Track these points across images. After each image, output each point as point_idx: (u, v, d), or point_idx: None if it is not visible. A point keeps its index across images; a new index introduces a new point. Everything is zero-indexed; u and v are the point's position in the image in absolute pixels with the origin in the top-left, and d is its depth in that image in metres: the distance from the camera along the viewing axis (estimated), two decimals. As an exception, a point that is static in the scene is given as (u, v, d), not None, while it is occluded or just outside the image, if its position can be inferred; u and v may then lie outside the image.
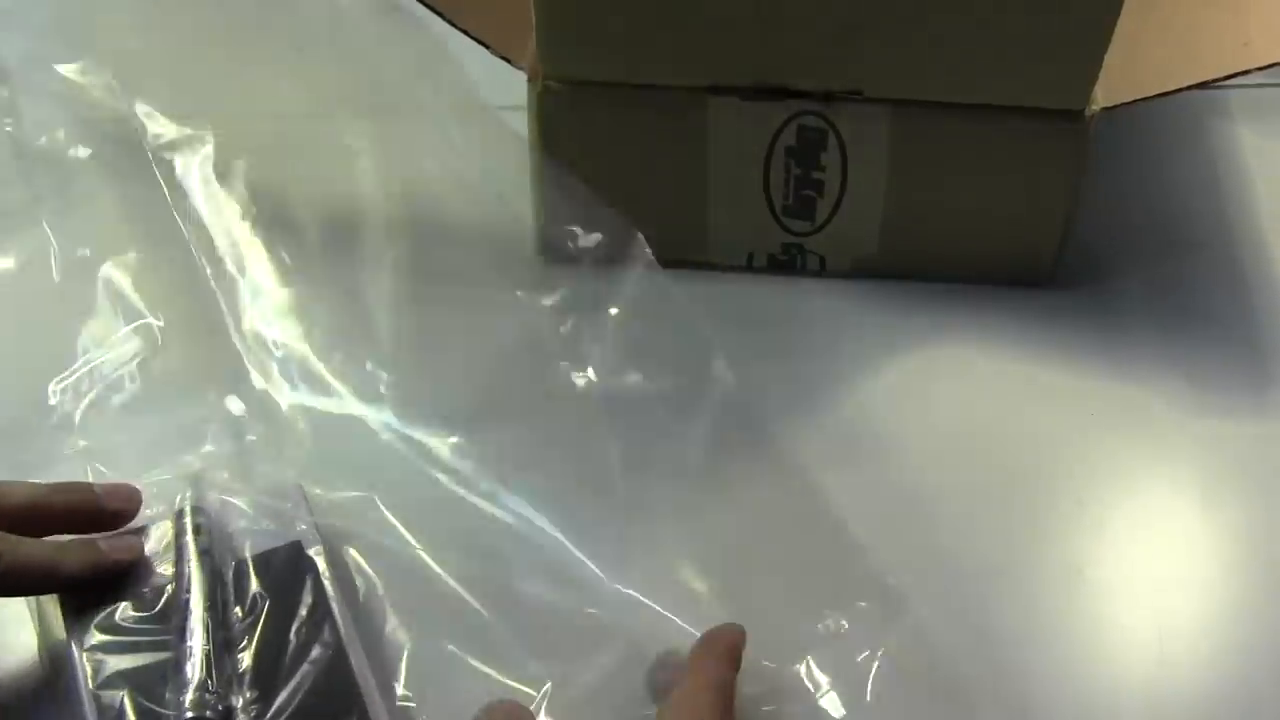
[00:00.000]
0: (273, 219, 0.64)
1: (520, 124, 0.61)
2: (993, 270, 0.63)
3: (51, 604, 0.50)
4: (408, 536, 0.53)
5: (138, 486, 0.52)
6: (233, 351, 0.59)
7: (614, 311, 0.59)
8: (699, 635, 0.49)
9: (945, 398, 0.60)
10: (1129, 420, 0.59)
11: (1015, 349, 0.62)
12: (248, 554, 0.51)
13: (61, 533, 0.50)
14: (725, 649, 0.48)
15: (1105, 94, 0.58)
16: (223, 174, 0.65)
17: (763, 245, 0.64)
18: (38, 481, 0.51)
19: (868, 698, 0.49)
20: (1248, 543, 0.55)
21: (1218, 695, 0.51)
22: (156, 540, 0.51)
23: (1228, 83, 0.58)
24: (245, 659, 0.48)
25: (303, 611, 0.49)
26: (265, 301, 0.61)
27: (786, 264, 0.64)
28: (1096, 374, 0.61)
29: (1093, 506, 0.56)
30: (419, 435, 0.56)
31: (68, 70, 0.69)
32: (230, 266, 0.62)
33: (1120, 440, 0.58)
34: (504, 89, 0.61)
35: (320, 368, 0.59)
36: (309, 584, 0.50)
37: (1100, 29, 0.55)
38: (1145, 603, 0.53)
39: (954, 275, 0.63)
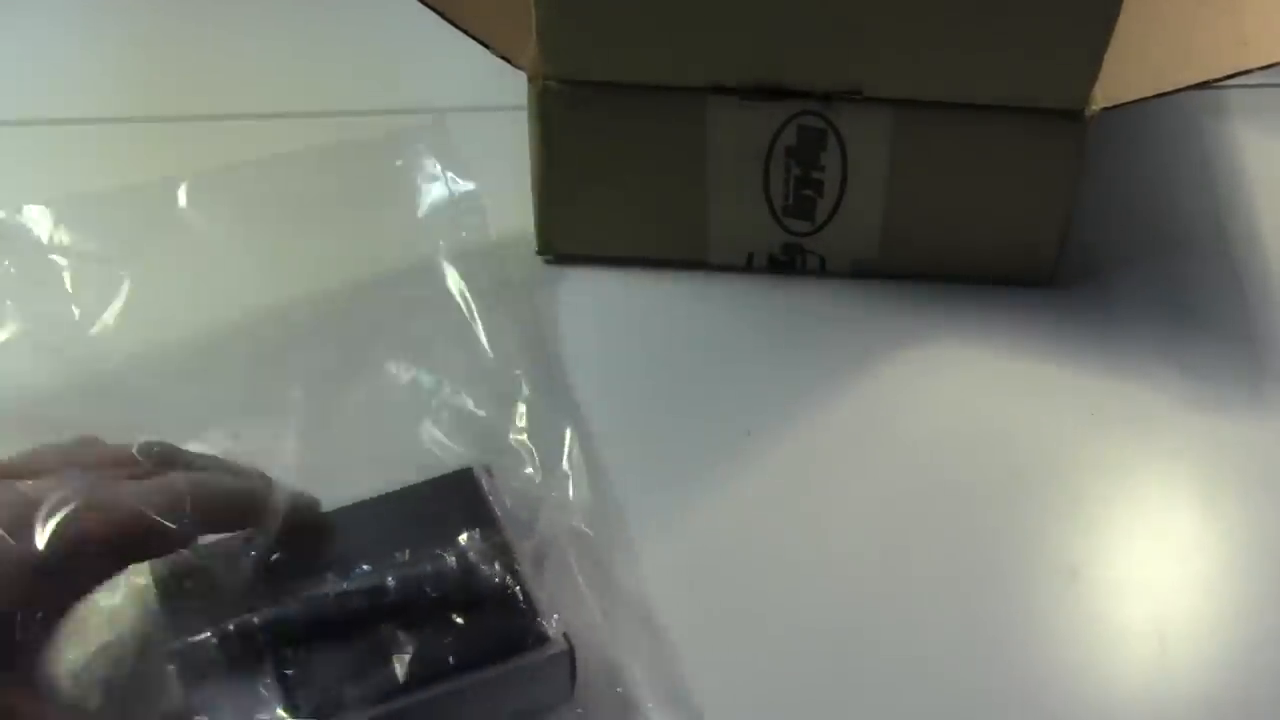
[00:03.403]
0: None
1: (521, 124, 0.61)
2: (993, 270, 0.63)
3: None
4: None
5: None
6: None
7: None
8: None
9: (944, 397, 0.60)
10: (1128, 419, 0.59)
11: (1015, 348, 0.62)
12: None
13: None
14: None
15: (1104, 94, 0.58)
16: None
17: (763, 245, 0.64)
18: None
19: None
20: (1246, 540, 0.55)
21: (1218, 696, 0.51)
22: None
23: (1226, 83, 0.58)
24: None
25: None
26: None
27: (786, 264, 0.64)
28: (1096, 373, 0.61)
29: (1089, 505, 0.56)
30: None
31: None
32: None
33: (1119, 439, 0.58)
34: (504, 89, 0.61)
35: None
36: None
37: (1100, 29, 0.55)
38: (1142, 602, 0.53)
39: (954, 275, 0.64)
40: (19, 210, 0.58)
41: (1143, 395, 0.60)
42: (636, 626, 0.51)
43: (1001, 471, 0.57)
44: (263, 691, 0.45)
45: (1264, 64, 0.57)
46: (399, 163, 0.63)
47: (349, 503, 0.50)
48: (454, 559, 0.48)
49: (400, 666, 0.46)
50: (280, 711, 0.45)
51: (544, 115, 0.60)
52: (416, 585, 0.47)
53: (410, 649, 0.46)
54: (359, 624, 0.47)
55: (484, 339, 0.58)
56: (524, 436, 0.55)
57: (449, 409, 0.55)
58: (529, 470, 0.54)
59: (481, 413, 0.55)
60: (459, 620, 0.47)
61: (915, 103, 0.58)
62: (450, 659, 0.46)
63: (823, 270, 0.64)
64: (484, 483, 0.51)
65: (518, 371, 0.57)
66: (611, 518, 0.55)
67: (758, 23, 0.56)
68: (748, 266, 0.64)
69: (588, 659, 0.48)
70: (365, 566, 0.48)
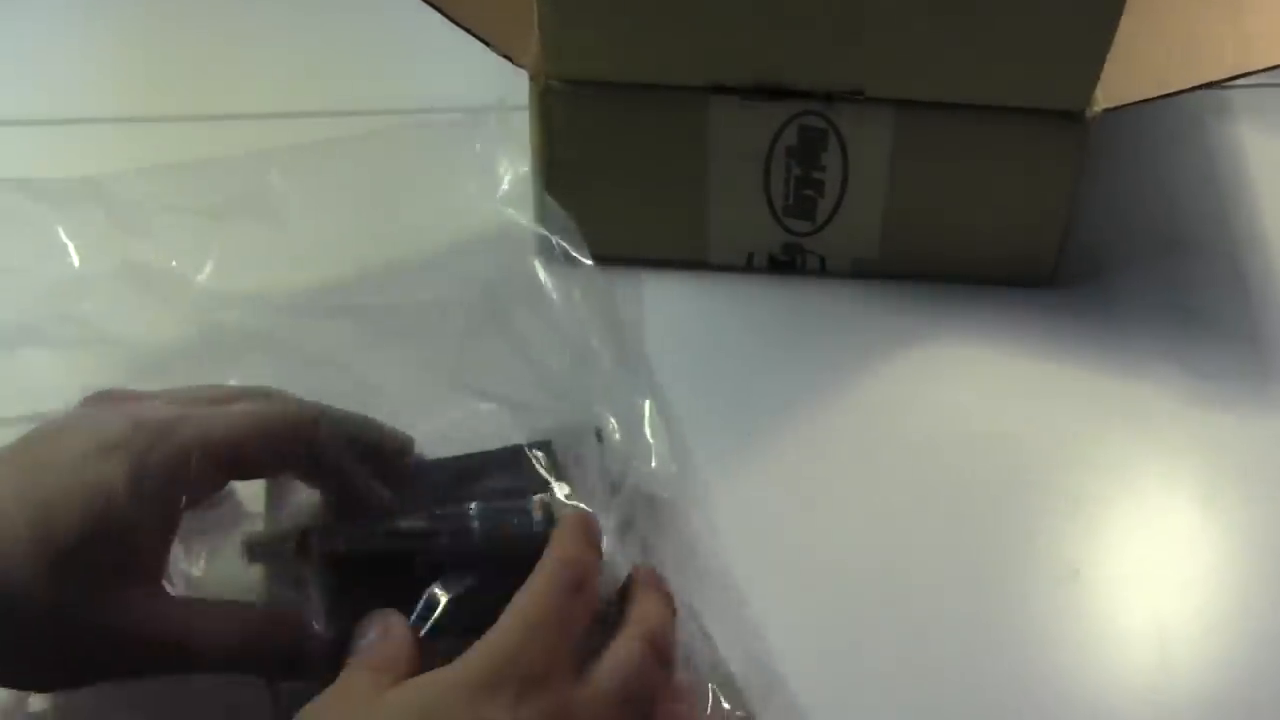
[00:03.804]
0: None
1: (522, 123, 0.61)
2: (993, 270, 0.63)
3: None
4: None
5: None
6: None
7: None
8: None
9: (944, 397, 0.60)
10: (1128, 419, 0.59)
11: (1015, 349, 0.62)
12: None
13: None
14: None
15: (1106, 95, 0.58)
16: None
17: (763, 245, 0.64)
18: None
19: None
20: (1247, 541, 0.55)
21: (1219, 695, 0.51)
22: None
23: (1228, 83, 0.58)
24: None
25: None
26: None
27: (786, 264, 0.64)
28: (1096, 373, 0.61)
29: (1089, 505, 0.56)
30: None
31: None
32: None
33: (1119, 439, 0.58)
34: (505, 87, 0.61)
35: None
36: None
37: (1102, 30, 0.55)
38: (1143, 603, 0.53)
39: (954, 275, 0.64)
40: (115, 175, 0.58)
41: (1143, 395, 0.60)
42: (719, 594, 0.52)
43: (1001, 471, 0.57)
44: (304, 603, 0.47)
45: (1266, 66, 0.57)
46: (477, 146, 0.63)
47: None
48: (516, 518, 0.48)
49: (437, 613, 0.46)
50: (316, 624, 0.46)
51: (545, 114, 0.60)
52: (466, 537, 0.48)
53: (447, 598, 0.46)
54: (404, 566, 0.47)
55: (564, 312, 0.58)
56: (605, 405, 0.54)
57: (531, 377, 0.55)
58: (612, 438, 0.53)
59: (564, 381, 0.55)
60: (502, 579, 0.46)
61: (917, 103, 0.58)
62: (488, 615, 0.45)
63: (823, 270, 0.64)
64: (545, 457, 0.51)
65: (595, 343, 0.56)
66: (693, 486, 0.55)
67: (759, 22, 0.56)
68: (748, 266, 0.65)
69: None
70: (440, 511, 0.48)
